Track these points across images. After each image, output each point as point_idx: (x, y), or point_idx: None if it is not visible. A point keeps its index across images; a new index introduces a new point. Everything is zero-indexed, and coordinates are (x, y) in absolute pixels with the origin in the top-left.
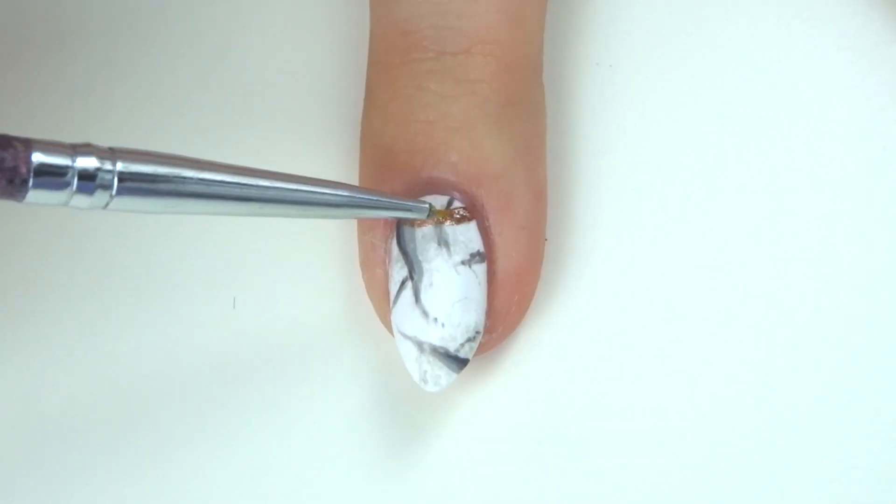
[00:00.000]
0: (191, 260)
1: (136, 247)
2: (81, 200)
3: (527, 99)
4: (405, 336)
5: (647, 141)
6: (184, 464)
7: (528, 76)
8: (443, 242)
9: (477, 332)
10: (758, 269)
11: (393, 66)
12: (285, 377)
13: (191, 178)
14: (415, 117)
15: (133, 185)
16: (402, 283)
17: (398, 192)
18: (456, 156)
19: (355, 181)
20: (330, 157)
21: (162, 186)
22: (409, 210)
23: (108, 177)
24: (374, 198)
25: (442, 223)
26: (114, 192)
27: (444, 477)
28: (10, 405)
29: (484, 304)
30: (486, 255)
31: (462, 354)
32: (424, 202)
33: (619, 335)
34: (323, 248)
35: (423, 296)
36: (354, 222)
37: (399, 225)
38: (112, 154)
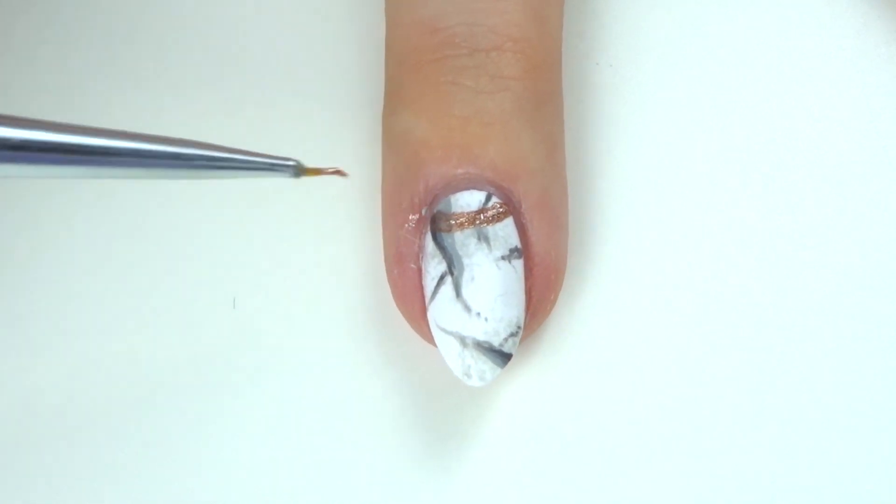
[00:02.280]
0: (191, 260)
1: (136, 246)
2: None
3: (553, 97)
4: (446, 331)
5: (646, 141)
6: (183, 464)
7: (554, 75)
8: (483, 237)
9: (518, 328)
10: (757, 268)
11: (424, 62)
12: (285, 377)
13: (49, 143)
14: (450, 112)
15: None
16: (441, 279)
17: (432, 186)
18: (493, 151)
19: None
20: (342, 151)
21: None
22: (273, 168)
23: None
24: (233, 156)
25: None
26: None
27: (455, 476)
28: (9, 405)
29: (523, 300)
30: (522, 252)
31: (506, 349)
32: (290, 159)
33: (628, 333)
34: (322, 248)
35: (464, 290)
36: (356, 219)
37: (435, 221)
38: None
